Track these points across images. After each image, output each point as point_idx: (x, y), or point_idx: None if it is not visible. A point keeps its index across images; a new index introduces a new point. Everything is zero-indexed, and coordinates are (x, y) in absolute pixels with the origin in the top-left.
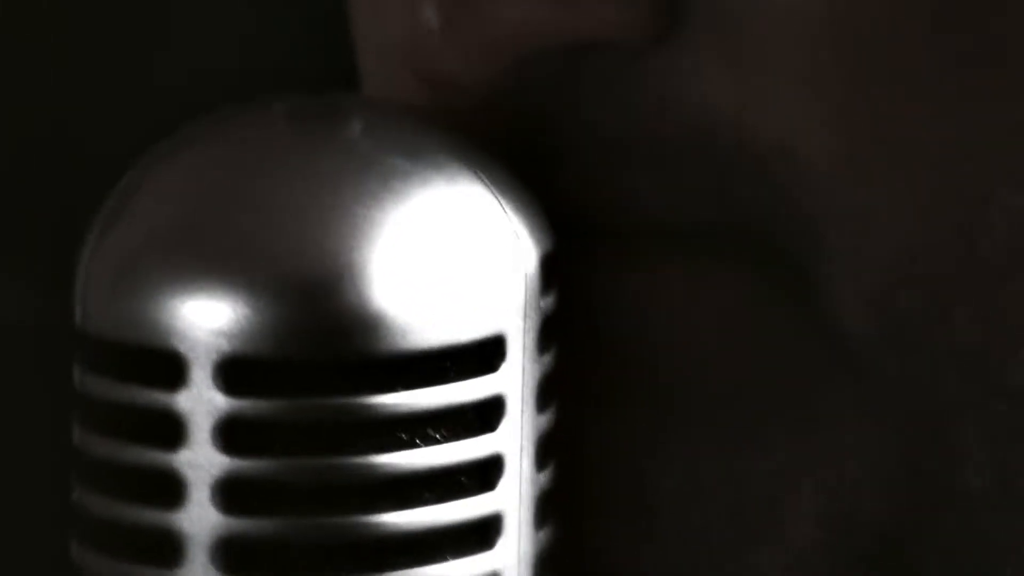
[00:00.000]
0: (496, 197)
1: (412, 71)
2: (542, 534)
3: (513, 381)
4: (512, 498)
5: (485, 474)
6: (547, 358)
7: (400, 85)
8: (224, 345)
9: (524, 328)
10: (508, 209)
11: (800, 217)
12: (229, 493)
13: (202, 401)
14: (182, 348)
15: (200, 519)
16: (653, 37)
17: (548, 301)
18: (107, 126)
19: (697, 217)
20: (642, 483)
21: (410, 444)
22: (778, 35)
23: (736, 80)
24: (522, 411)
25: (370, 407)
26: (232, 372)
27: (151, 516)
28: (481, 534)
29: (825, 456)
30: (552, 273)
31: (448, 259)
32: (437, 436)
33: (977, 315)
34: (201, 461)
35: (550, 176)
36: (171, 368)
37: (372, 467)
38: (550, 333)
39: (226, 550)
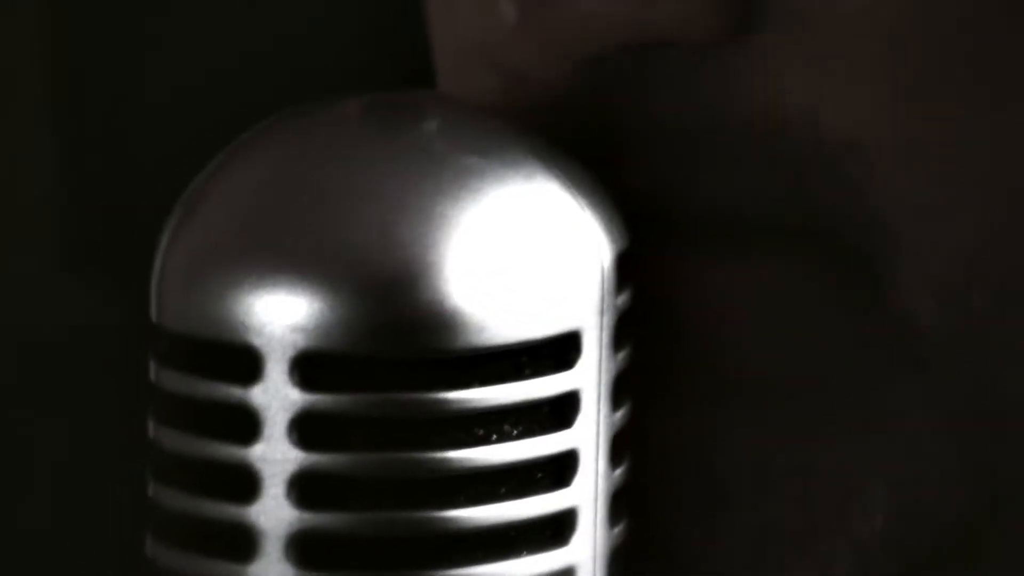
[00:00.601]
0: (572, 194)
1: (488, 67)
2: (616, 530)
3: (589, 377)
4: (587, 494)
5: (560, 470)
6: (622, 354)
7: (475, 82)
8: (300, 340)
9: (600, 324)
10: (584, 206)
11: (871, 212)
12: (303, 487)
13: (277, 396)
14: (258, 343)
15: (274, 513)
16: (726, 33)
17: (623, 297)
18: (181, 130)
19: (767, 212)
20: (711, 477)
21: (485, 440)
22: (851, 32)
23: (809, 76)
24: (597, 407)
25: (445, 403)
26: (307, 367)
27: (225, 510)
28: (556, 530)
29: (893, 450)
30: (627, 269)
31: (524, 256)
32: (512, 432)
33: None
34: (276, 455)
35: (622, 171)
36: (247, 363)
37: (447, 463)
38: (625, 329)
39: (300, 544)
